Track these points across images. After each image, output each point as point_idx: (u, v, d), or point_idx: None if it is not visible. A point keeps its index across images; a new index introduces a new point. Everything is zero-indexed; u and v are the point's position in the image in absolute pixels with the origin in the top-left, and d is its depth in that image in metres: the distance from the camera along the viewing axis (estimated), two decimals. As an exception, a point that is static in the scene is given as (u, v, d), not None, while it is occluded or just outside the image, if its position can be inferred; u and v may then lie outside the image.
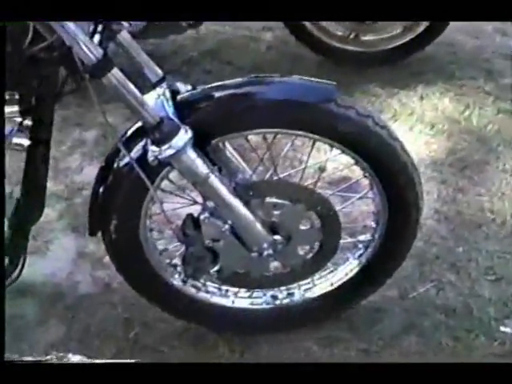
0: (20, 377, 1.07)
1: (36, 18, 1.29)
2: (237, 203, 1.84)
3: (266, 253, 1.92)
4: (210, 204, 1.85)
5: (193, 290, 2.14)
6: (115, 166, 1.87)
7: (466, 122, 2.93)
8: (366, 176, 1.94)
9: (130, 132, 1.84)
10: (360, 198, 2.03)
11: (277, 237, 1.92)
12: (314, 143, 1.87)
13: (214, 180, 1.79)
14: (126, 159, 1.82)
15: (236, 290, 2.17)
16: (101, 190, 1.90)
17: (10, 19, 1.23)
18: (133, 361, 1.54)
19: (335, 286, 2.14)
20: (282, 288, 2.16)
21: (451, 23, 3.06)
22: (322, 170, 1.95)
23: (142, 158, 1.79)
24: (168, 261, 2.09)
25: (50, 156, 2.36)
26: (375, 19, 1.31)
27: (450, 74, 3.25)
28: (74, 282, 2.45)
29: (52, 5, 1.19)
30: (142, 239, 1.98)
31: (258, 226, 1.88)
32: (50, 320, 2.32)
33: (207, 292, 2.16)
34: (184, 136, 1.71)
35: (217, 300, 2.16)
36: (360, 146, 1.85)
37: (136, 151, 1.81)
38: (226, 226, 1.87)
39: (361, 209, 2.06)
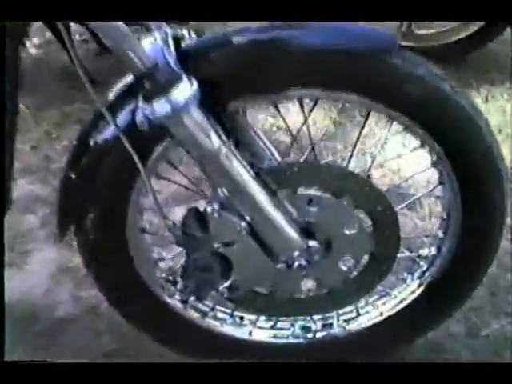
0: (20, 377, 1.04)
1: (36, 18, 1.14)
2: (259, 192, 1.32)
3: (296, 264, 1.40)
4: (222, 192, 1.33)
5: (196, 316, 1.61)
6: (94, 140, 1.37)
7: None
8: (434, 165, 1.41)
9: (116, 91, 1.34)
10: (424, 195, 1.49)
11: (312, 242, 1.39)
12: (368, 115, 1.35)
13: (229, 155, 1.29)
14: (110, 130, 1.32)
15: (254, 317, 1.64)
16: (73, 174, 1.39)
17: (10, 19, 1.12)
18: (133, 361, 1.33)
19: (385, 316, 1.60)
20: (316, 317, 1.62)
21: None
22: (373, 157, 1.42)
23: (132, 128, 1.29)
24: (165, 275, 1.57)
25: (42, 156, 1.91)
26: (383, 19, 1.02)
27: (518, 73, 2.74)
28: (52, 302, 1.99)
29: (52, 4, 1.08)
30: (129, 243, 1.47)
31: (287, 225, 1.36)
32: (18, 349, 1.80)
33: (216, 319, 1.63)
34: (186, 87, 1.21)
35: (228, 329, 1.63)
36: (432, 118, 1.32)
37: (123, 117, 1.31)
38: (243, 224, 1.35)
39: (423, 212, 1.51)
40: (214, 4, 1.16)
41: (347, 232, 1.42)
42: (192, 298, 1.60)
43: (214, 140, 1.27)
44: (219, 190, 1.34)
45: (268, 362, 1.35)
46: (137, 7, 1.11)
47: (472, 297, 1.65)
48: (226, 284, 1.42)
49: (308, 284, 1.50)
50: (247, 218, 1.36)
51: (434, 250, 1.53)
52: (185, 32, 1.35)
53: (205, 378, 1.12)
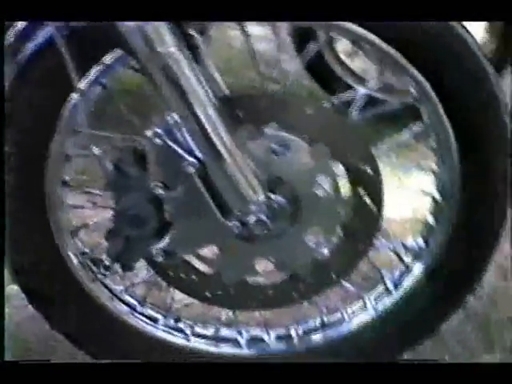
0: (20, 377, 1.04)
1: (36, 18, 1.08)
2: (218, 123, 1.06)
3: (253, 219, 1.10)
4: (172, 119, 1.06)
5: (123, 310, 1.28)
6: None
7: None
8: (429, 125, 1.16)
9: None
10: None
11: (275, 196, 1.11)
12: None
13: (185, 66, 1.03)
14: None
15: (189, 321, 1.33)
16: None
17: (10, 19, 1.09)
18: (133, 361, 1.24)
19: (355, 327, 1.29)
20: (270, 328, 1.31)
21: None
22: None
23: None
24: (87, 249, 1.26)
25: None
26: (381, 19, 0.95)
27: None
28: None
29: (52, 4, 1.04)
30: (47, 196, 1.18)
31: (247, 170, 1.08)
32: None
33: (146, 316, 1.30)
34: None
35: (162, 334, 1.30)
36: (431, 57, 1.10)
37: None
38: (192, 160, 1.07)
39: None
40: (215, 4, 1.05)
41: (318, 193, 1.14)
42: (120, 287, 1.29)
43: (168, 41, 1.02)
44: (169, 116, 1.07)
45: (267, 362, 1.23)
46: (138, 7, 1.02)
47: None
48: (161, 244, 1.12)
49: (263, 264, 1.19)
50: (198, 154, 1.08)
51: (421, 242, 1.25)
52: None
53: (205, 378, 1.08)
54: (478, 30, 2.39)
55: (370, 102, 1.19)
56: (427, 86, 1.12)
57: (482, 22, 2.37)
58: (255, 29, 1.20)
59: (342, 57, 2.42)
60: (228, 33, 1.94)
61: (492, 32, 2.43)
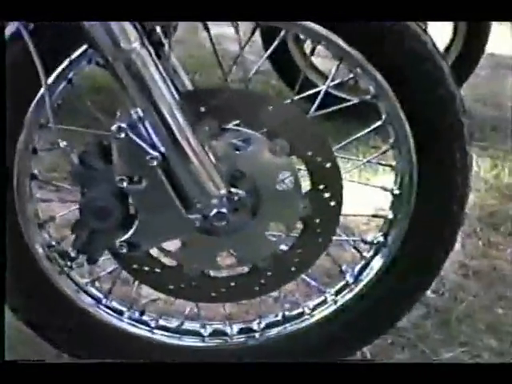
0: (20, 377, 1.04)
1: (36, 18, 1.08)
2: (180, 118, 1.08)
3: (213, 213, 1.12)
4: (136, 113, 1.08)
5: (89, 302, 1.30)
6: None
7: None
8: (387, 122, 1.20)
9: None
10: (373, 161, 1.27)
11: (236, 190, 1.14)
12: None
13: (148, 62, 1.06)
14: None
15: (154, 314, 1.36)
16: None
17: (10, 19, 1.10)
18: (133, 361, 1.24)
19: (315, 319, 1.32)
20: (233, 321, 1.35)
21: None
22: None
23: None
24: (54, 242, 1.28)
25: None
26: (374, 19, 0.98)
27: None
28: None
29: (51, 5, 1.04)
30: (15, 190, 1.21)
31: (209, 164, 1.11)
32: None
33: (110, 309, 1.33)
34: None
35: (127, 326, 1.33)
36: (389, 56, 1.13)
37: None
38: (155, 154, 1.09)
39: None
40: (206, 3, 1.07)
41: (280, 188, 1.16)
42: (84, 280, 1.32)
43: (132, 37, 1.05)
44: (132, 111, 1.09)
45: (267, 362, 1.20)
46: (129, 7, 1.03)
47: (418, 324, 1.41)
48: (126, 236, 1.14)
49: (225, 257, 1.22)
50: (161, 148, 1.10)
51: (380, 237, 1.29)
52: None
53: (205, 377, 1.08)
54: (444, 29, 2.46)
55: (331, 99, 1.21)
56: (385, 84, 1.16)
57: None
58: (226, 30, 1.22)
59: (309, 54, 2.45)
60: (199, 34, 1.98)
61: (459, 31, 2.49)
